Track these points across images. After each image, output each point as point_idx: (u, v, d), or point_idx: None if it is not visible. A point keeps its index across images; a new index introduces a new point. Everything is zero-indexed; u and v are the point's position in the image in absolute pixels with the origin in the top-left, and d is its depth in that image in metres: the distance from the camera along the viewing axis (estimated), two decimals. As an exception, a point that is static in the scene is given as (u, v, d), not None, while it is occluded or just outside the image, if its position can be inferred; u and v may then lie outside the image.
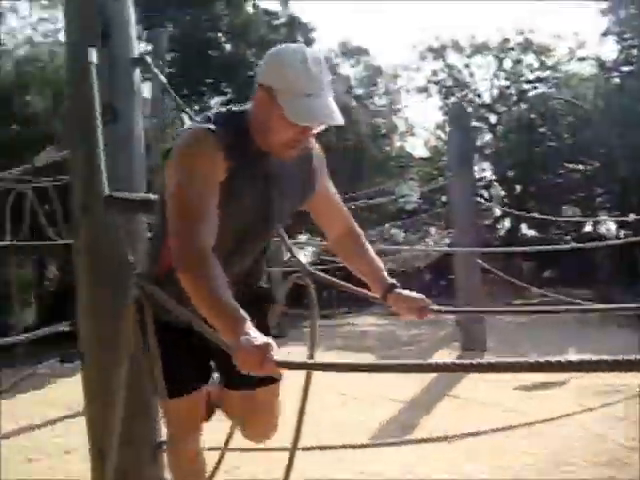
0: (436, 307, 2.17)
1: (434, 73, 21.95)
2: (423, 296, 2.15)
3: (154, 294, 1.83)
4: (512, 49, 20.29)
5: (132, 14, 2.49)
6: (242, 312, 1.60)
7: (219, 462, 2.36)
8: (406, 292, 2.14)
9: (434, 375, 7.71)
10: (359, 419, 5.58)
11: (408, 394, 6.60)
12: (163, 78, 2.52)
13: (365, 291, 2.26)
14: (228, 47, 21.97)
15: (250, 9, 21.98)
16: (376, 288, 2.17)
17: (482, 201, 9.50)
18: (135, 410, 2.17)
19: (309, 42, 23.74)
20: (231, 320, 1.57)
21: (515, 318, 12.48)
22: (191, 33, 21.01)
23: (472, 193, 9.41)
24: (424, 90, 22.23)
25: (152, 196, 2.07)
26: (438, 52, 21.59)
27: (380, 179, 22.48)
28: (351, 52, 25.11)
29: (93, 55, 2.23)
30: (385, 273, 2.19)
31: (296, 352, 10.40)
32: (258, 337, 1.53)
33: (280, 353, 1.54)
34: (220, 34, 21.54)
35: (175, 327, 2.01)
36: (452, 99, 20.63)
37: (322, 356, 9.85)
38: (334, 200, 2.19)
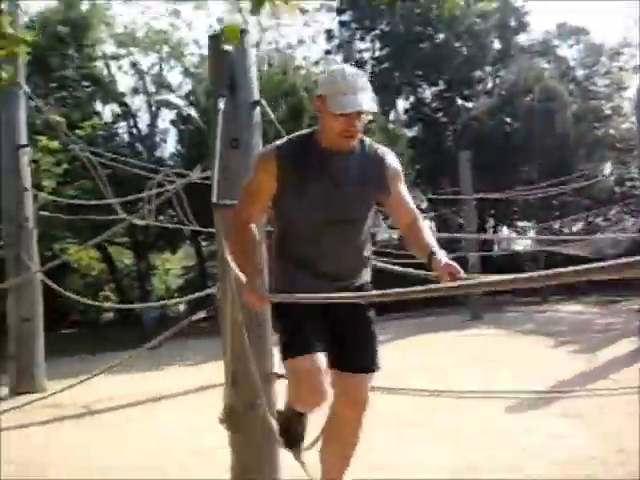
0: (464, 276, 2.39)
1: (658, 48, 20.53)
2: (455, 264, 2.41)
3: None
4: None
5: (254, 66, 3.47)
6: (255, 264, 2.62)
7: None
8: (444, 258, 2.45)
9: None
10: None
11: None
12: (274, 117, 3.41)
13: (410, 270, 3.00)
14: (439, 38, 22.41)
15: (460, -1, 22.15)
16: (423, 255, 2.54)
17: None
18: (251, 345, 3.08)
19: (523, 26, 23.39)
20: (247, 268, 2.57)
21: None
22: (403, 28, 21.87)
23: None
24: (647, 67, 20.89)
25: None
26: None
27: (600, 161, 21.65)
28: (569, 32, 24.24)
29: (221, 104, 3.22)
30: (430, 243, 2.56)
31: (484, 333, 10.97)
32: (257, 281, 2.53)
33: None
34: (430, 27, 22.06)
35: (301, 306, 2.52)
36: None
37: (506, 337, 10.27)
38: (405, 200, 2.70)
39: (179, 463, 4.43)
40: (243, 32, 3.39)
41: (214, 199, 2.98)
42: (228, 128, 3.31)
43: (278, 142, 2.64)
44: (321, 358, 2.51)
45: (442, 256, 2.46)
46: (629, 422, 4.69)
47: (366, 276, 2.75)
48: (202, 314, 3.38)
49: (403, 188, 2.72)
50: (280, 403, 3.45)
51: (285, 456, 3.20)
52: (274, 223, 2.76)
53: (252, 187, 2.66)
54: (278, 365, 2.85)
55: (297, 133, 2.69)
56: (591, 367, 7.54)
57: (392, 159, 2.71)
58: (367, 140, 2.69)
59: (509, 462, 4.07)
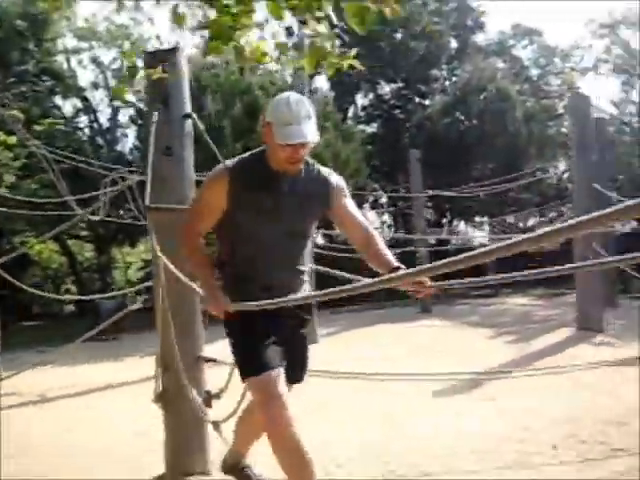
0: (429, 283, 2.44)
1: (607, 50, 21.33)
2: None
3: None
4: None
5: (186, 84, 3.86)
6: (210, 272, 2.74)
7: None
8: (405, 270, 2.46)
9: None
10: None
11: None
12: (202, 128, 3.78)
13: (359, 277, 3.03)
14: (397, 37, 22.80)
15: (417, -2, 22.58)
16: (385, 271, 2.59)
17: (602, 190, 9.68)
18: (181, 331, 3.47)
19: (480, 26, 23.96)
20: (204, 277, 2.75)
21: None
22: (361, 27, 22.18)
23: (592, 180, 9.70)
24: (595, 68, 21.69)
25: (179, 206, 3.43)
26: (611, 28, 20.93)
27: (552, 159, 22.33)
28: (524, 33, 24.93)
29: (155, 117, 3.61)
30: (392, 259, 2.69)
31: (431, 325, 11.45)
32: (215, 289, 2.69)
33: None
34: (387, 25, 22.39)
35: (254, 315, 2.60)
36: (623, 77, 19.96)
37: (451, 329, 10.69)
38: (353, 215, 2.84)
39: (123, 442, 4.83)
40: (176, 50, 3.77)
41: (147, 202, 3.35)
42: (162, 138, 3.69)
43: (229, 162, 2.77)
44: (281, 373, 2.63)
45: (403, 269, 2.57)
46: (535, 403, 5.29)
47: (308, 290, 2.91)
48: (139, 305, 3.74)
49: (350, 203, 2.87)
50: (209, 386, 3.84)
51: (212, 432, 3.59)
52: (221, 238, 2.86)
53: (202, 205, 2.79)
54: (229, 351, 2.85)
55: (247, 153, 2.83)
56: (522, 355, 8.06)
57: (335, 178, 2.88)
58: (311, 161, 2.84)
59: (428, 439, 4.52)
